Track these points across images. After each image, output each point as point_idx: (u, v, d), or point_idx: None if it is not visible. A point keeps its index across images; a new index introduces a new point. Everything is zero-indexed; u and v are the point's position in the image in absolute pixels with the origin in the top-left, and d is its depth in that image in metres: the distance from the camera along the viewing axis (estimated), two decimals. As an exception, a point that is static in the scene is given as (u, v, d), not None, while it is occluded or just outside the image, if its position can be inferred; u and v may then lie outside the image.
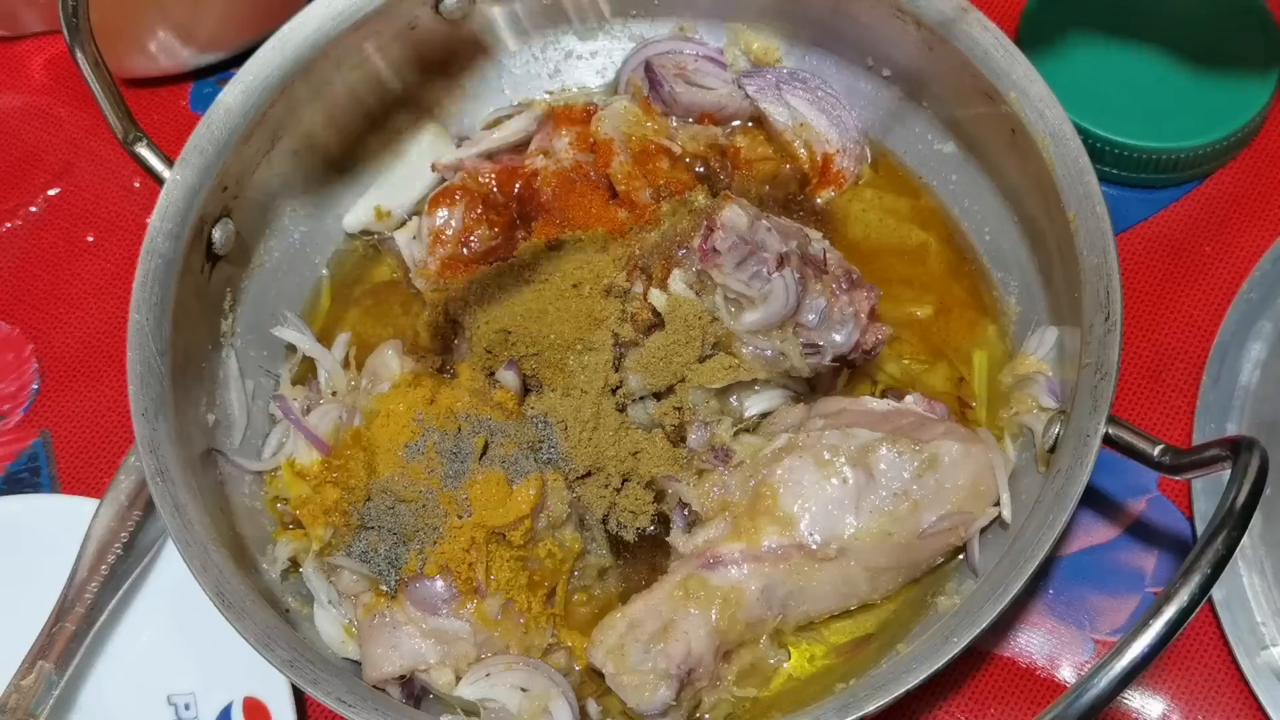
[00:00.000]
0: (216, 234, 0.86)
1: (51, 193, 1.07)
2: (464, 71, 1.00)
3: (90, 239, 1.05)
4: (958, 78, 0.86)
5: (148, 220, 0.81)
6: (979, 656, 0.86)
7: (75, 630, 0.83)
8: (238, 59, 1.07)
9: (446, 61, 0.98)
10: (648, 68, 0.96)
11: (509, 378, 0.83)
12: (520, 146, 0.97)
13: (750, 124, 0.98)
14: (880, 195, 0.95)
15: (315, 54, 0.88)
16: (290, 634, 0.75)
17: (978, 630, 0.68)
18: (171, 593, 0.88)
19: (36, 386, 1.00)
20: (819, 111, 0.95)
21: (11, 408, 0.99)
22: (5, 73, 1.12)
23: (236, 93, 0.85)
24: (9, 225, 1.06)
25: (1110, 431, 0.71)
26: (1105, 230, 0.75)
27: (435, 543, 0.77)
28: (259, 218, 0.92)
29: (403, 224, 0.97)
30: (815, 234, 0.85)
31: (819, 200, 0.95)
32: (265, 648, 0.71)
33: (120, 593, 0.86)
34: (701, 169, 0.94)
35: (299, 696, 0.85)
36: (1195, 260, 0.98)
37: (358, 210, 0.97)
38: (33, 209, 1.07)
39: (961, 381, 0.89)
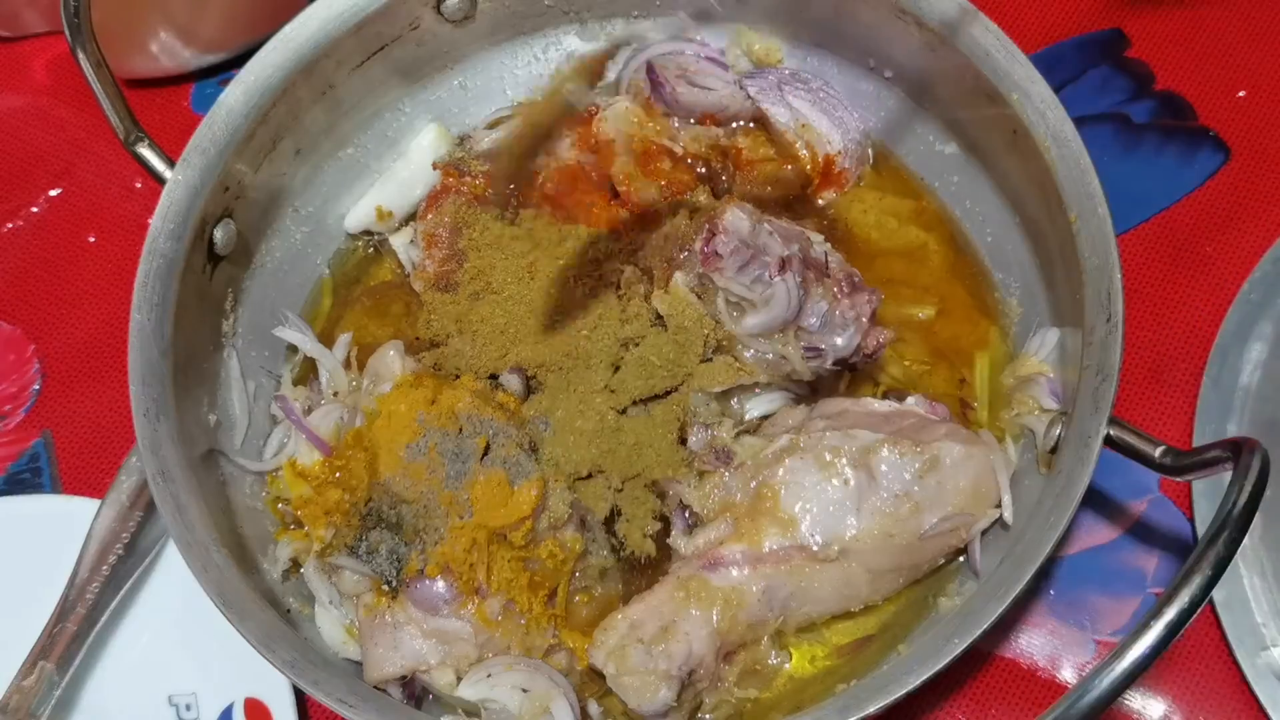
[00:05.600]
0: (218, 234, 0.86)
1: (53, 193, 1.07)
2: (466, 72, 1.00)
3: (92, 239, 1.05)
4: (959, 79, 0.86)
5: (149, 221, 0.81)
6: (981, 657, 0.86)
7: (77, 631, 0.83)
8: (239, 59, 1.07)
9: (448, 62, 0.98)
10: (649, 68, 0.96)
11: (513, 381, 0.83)
12: (522, 146, 0.97)
13: (752, 125, 0.97)
14: (882, 196, 0.95)
15: (317, 54, 0.88)
16: (291, 634, 0.75)
17: (979, 631, 0.68)
18: (173, 593, 0.88)
19: (38, 387, 1.00)
20: (821, 112, 0.94)
21: (13, 408, 0.99)
22: (7, 73, 1.12)
23: (238, 93, 0.85)
24: (11, 226, 1.06)
25: (1112, 433, 0.71)
26: (1107, 231, 0.75)
27: (436, 543, 0.77)
28: (260, 218, 0.92)
29: (404, 224, 0.97)
30: (817, 236, 0.85)
31: (820, 201, 0.95)
32: (266, 648, 0.71)
33: (121, 593, 0.86)
34: (703, 170, 0.94)
35: (300, 697, 0.85)
36: (1196, 261, 0.98)
37: (359, 210, 0.97)
38: (34, 209, 1.07)
39: (963, 383, 0.88)
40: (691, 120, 0.97)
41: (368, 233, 0.97)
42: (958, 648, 0.68)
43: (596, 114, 0.95)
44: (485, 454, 0.79)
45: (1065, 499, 0.70)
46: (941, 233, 0.93)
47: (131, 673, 0.87)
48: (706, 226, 0.80)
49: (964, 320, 0.90)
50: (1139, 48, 1.07)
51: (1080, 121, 0.80)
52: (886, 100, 0.95)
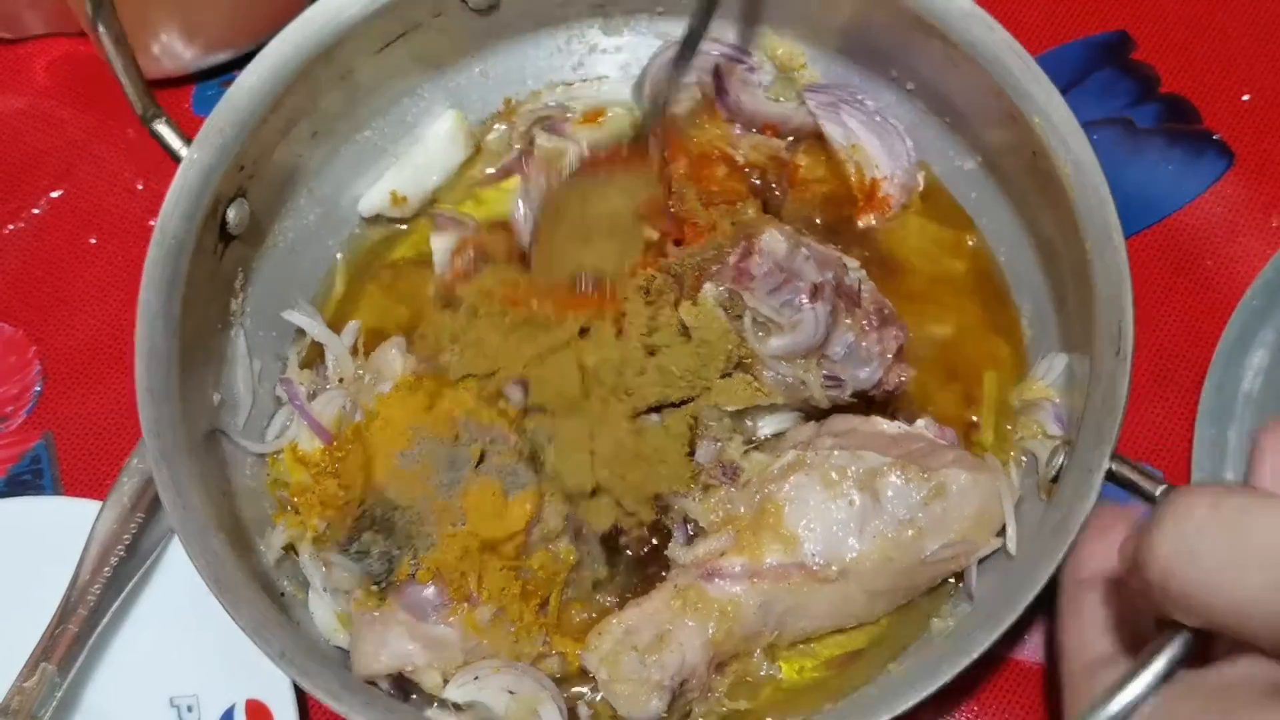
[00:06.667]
0: (231, 214, 0.85)
1: (54, 195, 1.07)
2: (488, 60, 0.99)
3: (93, 241, 1.05)
4: (980, 96, 0.84)
5: (150, 222, 0.81)
6: (993, 660, 0.86)
7: (78, 632, 0.83)
8: (241, 61, 1.07)
9: (470, 50, 0.98)
10: (716, 71, 0.94)
11: (515, 393, 0.83)
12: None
13: (814, 140, 0.96)
14: (924, 224, 0.93)
15: (337, 38, 0.87)
16: (284, 622, 0.75)
17: (967, 661, 0.68)
18: (174, 595, 0.88)
19: (39, 389, 1.00)
20: (874, 135, 0.93)
21: (14, 410, 0.99)
22: (8, 75, 1.12)
23: (256, 75, 0.84)
24: (11, 228, 1.06)
25: (1113, 467, 0.70)
26: (1122, 263, 0.74)
27: (428, 549, 0.77)
28: (275, 198, 0.91)
29: (418, 212, 0.97)
30: (853, 263, 0.84)
31: (861, 224, 0.93)
32: (258, 635, 0.71)
33: (123, 595, 0.86)
34: (757, 181, 0.93)
35: (301, 699, 0.85)
36: (1201, 267, 0.98)
37: (373, 194, 0.96)
38: (35, 211, 1.06)
39: (969, 401, 0.87)
40: (753, 129, 0.95)
41: (381, 216, 0.97)
42: (946, 675, 0.67)
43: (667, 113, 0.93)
44: (480, 462, 0.79)
45: (1063, 530, 0.69)
46: (976, 259, 0.92)
47: (133, 674, 0.87)
48: (743, 243, 0.79)
49: (978, 339, 0.89)
50: (1145, 50, 1.07)
51: (1085, 127, 0.79)
52: (908, 113, 0.94)
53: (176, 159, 0.82)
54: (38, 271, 1.04)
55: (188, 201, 0.81)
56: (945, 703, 0.85)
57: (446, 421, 0.79)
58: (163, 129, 0.84)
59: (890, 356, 0.80)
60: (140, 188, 1.07)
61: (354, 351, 0.90)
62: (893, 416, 0.84)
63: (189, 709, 0.86)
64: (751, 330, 0.80)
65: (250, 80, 0.84)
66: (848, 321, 0.80)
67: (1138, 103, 1.05)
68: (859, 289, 0.82)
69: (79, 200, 1.07)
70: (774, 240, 0.79)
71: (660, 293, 0.83)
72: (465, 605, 0.77)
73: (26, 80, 1.11)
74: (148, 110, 0.84)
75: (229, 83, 0.85)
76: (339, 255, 0.96)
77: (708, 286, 0.80)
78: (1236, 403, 0.90)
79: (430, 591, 0.77)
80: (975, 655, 0.68)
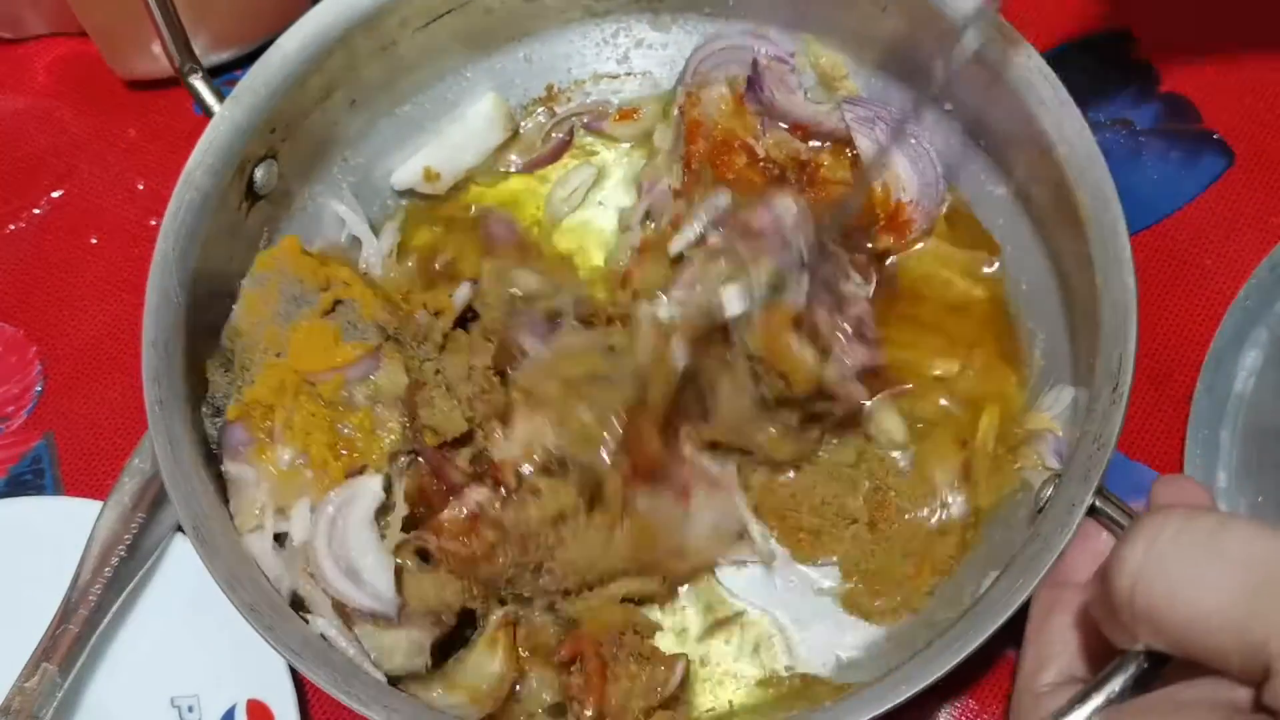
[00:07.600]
0: (259, 173, 0.85)
1: (55, 195, 1.07)
2: (533, 45, 0.99)
3: (94, 241, 1.05)
4: (1013, 121, 0.83)
5: (152, 222, 0.81)
6: (991, 656, 0.86)
7: (79, 632, 0.83)
8: (243, 60, 1.08)
9: (516, 34, 0.98)
10: (754, 65, 0.94)
11: (461, 293, 0.82)
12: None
13: (842, 145, 0.94)
14: (943, 246, 0.92)
15: (380, 10, 0.87)
16: (258, 579, 0.75)
17: (920, 686, 0.66)
18: (175, 595, 0.88)
19: (40, 389, 1.00)
20: (906, 159, 0.91)
21: (15, 410, 0.99)
22: (9, 75, 1.12)
23: (296, 38, 0.84)
24: (12, 228, 1.06)
25: (1097, 503, 0.69)
26: (1130, 301, 0.73)
27: (251, 382, 0.77)
28: (306, 163, 0.91)
29: (451, 187, 0.97)
30: (859, 279, 0.83)
31: (879, 244, 0.92)
32: (229, 587, 0.71)
33: (124, 595, 0.86)
34: (776, 173, 0.92)
35: (302, 698, 0.85)
36: (1198, 267, 0.98)
37: (407, 168, 0.96)
38: (36, 211, 1.06)
39: (964, 445, 0.86)
40: (782, 126, 0.94)
41: (414, 191, 0.97)
42: (894, 699, 0.66)
43: (694, 94, 0.94)
44: (331, 311, 0.77)
45: (1036, 563, 0.68)
46: (995, 285, 0.90)
47: (134, 674, 0.87)
48: (760, 202, 0.78)
49: (985, 370, 0.87)
50: (1145, 48, 1.07)
51: (1085, 128, 0.79)
52: (945, 133, 0.92)
53: (209, 114, 0.83)
54: (38, 271, 1.04)
55: (215, 157, 0.81)
56: (942, 698, 0.85)
57: (319, 275, 0.78)
58: (198, 83, 0.84)
59: (855, 372, 0.78)
60: (141, 188, 1.07)
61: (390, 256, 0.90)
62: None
63: (190, 709, 0.86)
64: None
65: (289, 44, 0.84)
66: (823, 313, 0.78)
67: (1138, 102, 1.05)
68: (850, 301, 0.81)
69: (80, 200, 1.07)
70: (786, 206, 0.77)
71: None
72: (269, 443, 0.75)
73: (27, 80, 1.11)
74: (185, 64, 0.84)
75: (232, 82, 0.85)
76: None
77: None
78: (1229, 403, 0.90)
79: (238, 429, 0.76)
80: (929, 682, 0.66)
